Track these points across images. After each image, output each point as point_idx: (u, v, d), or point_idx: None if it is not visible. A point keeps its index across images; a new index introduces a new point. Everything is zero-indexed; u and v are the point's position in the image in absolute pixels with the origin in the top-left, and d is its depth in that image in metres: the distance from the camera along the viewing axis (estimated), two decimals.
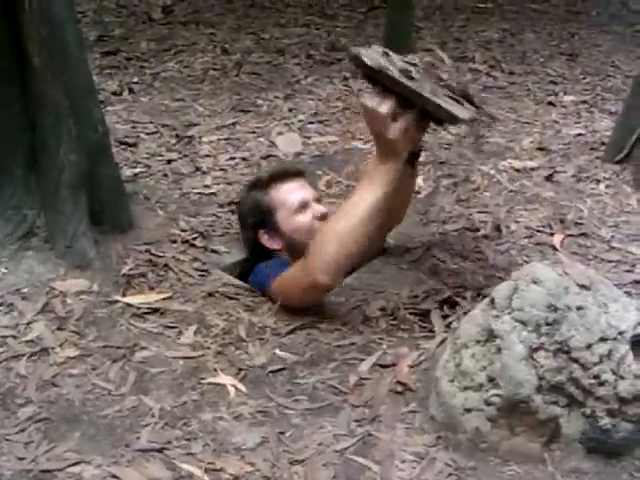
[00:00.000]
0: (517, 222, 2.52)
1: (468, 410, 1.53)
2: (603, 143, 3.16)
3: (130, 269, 2.16)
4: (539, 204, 2.66)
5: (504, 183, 2.83)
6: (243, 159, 3.05)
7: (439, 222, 2.54)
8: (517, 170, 2.94)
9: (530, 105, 3.79)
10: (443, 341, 1.80)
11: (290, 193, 2.27)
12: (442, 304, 2.03)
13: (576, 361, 1.47)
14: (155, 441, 1.57)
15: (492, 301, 1.58)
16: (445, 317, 1.98)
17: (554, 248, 2.36)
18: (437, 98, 1.76)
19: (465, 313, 1.82)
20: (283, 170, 2.38)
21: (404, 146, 1.85)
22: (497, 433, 1.51)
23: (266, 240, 2.29)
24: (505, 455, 1.52)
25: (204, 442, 1.57)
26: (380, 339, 1.91)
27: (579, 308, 1.51)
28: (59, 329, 1.92)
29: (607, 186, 2.80)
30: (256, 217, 2.29)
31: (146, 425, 1.61)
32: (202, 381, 1.76)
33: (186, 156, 3.06)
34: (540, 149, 3.17)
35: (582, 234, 2.44)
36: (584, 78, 4.27)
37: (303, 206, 2.25)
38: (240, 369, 1.80)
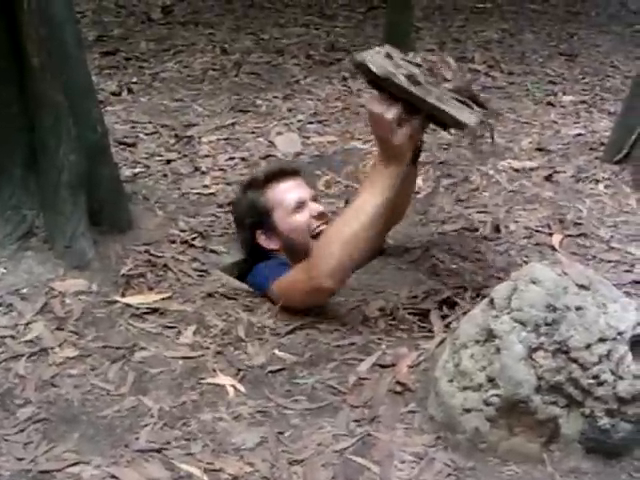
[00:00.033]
0: (516, 222, 2.52)
1: (467, 410, 1.53)
2: (602, 143, 3.16)
3: (129, 269, 2.16)
4: (538, 204, 2.66)
5: (503, 183, 2.83)
6: (242, 159, 3.05)
7: (438, 222, 2.54)
8: (516, 170, 2.94)
9: (529, 105, 3.79)
10: (442, 341, 1.79)
11: (287, 192, 2.27)
12: (441, 304, 2.03)
13: (575, 361, 1.47)
14: (154, 441, 1.57)
15: (491, 301, 1.58)
16: (444, 317, 1.98)
17: (553, 248, 2.36)
18: (443, 104, 1.76)
19: (464, 313, 1.82)
20: (279, 169, 2.37)
21: (408, 150, 1.85)
22: (496, 433, 1.51)
23: (263, 240, 2.29)
24: (504, 455, 1.52)
25: (203, 442, 1.57)
26: (379, 339, 1.91)
27: (578, 308, 1.51)
28: (58, 329, 1.92)
29: (606, 186, 2.80)
30: (253, 218, 2.28)
31: (145, 425, 1.61)
32: (201, 381, 1.76)
33: (185, 156, 3.06)
34: (539, 149, 3.17)
35: (581, 234, 2.45)
36: (583, 78, 4.27)
37: (300, 205, 2.25)
38: (239, 369, 1.80)
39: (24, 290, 2.04)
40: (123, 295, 2.06)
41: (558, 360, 1.48)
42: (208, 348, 1.87)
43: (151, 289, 2.10)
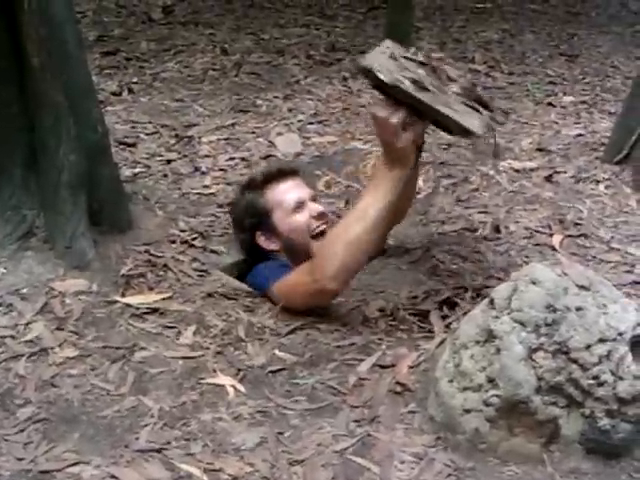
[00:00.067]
0: (516, 223, 2.52)
1: (467, 411, 1.53)
2: (602, 144, 3.16)
3: (129, 269, 2.15)
4: (538, 205, 2.66)
5: (503, 184, 2.83)
6: (242, 159, 3.05)
7: (438, 223, 2.54)
8: (516, 171, 2.94)
9: (529, 105, 3.79)
10: (442, 342, 1.79)
11: (286, 193, 2.27)
12: (441, 305, 2.03)
13: (575, 362, 1.47)
14: (154, 441, 1.56)
15: (491, 302, 1.58)
16: (444, 318, 1.98)
17: (553, 249, 2.36)
18: (450, 110, 1.76)
19: (464, 314, 1.82)
20: (277, 170, 2.36)
21: (411, 154, 1.86)
22: (496, 434, 1.51)
23: (263, 241, 2.28)
24: (504, 456, 1.52)
25: (203, 442, 1.57)
26: (379, 340, 1.91)
27: (578, 309, 1.51)
28: (58, 329, 1.92)
29: (606, 187, 2.80)
30: (252, 219, 2.28)
31: (145, 425, 1.61)
32: (201, 381, 1.76)
33: (185, 156, 3.06)
34: (539, 150, 3.17)
35: (581, 235, 2.45)
36: (583, 79, 4.27)
37: (299, 206, 2.25)
38: (239, 369, 1.80)
39: (24, 290, 2.03)
40: (123, 295, 2.06)
41: (558, 361, 1.48)
42: (208, 348, 1.87)
43: (151, 289, 2.10)
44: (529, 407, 1.47)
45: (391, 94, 1.80)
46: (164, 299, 2.06)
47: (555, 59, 4.69)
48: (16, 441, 1.57)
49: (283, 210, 2.25)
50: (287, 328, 1.96)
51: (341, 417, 1.64)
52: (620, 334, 1.49)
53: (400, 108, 1.79)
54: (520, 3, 6.19)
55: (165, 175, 2.86)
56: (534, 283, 1.53)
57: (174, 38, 4.97)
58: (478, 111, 1.79)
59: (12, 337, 1.88)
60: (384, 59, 1.81)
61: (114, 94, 3.85)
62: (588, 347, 1.47)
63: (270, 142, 3.23)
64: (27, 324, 1.92)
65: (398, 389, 1.71)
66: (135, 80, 4.10)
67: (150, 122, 3.42)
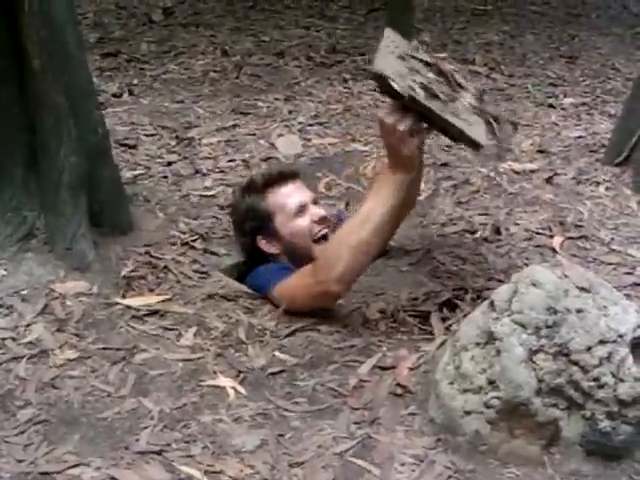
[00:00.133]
0: (517, 224, 2.52)
1: (468, 413, 1.53)
2: (603, 145, 3.16)
3: (130, 271, 2.15)
4: (539, 206, 2.66)
5: (504, 185, 2.83)
6: (243, 161, 3.05)
7: (439, 224, 2.54)
8: (517, 172, 2.93)
9: (530, 107, 3.79)
10: (443, 343, 1.79)
11: (288, 197, 2.26)
12: (442, 306, 2.03)
13: (576, 364, 1.47)
14: (154, 443, 1.56)
15: (492, 304, 1.58)
16: (445, 319, 1.98)
17: (554, 250, 2.36)
18: (458, 120, 1.76)
19: (465, 315, 1.82)
20: (278, 173, 2.34)
21: (417, 159, 1.87)
22: (496, 436, 1.51)
23: (264, 245, 2.28)
24: (504, 458, 1.51)
25: (203, 444, 1.57)
26: (380, 341, 1.91)
27: (579, 311, 1.51)
28: (58, 331, 1.92)
29: (607, 188, 2.80)
30: (253, 222, 2.27)
31: (145, 427, 1.61)
32: (201, 383, 1.76)
33: (186, 158, 3.06)
34: (540, 151, 3.17)
35: (582, 236, 2.44)
36: (584, 80, 4.27)
37: (301, 210, 2.24)
38: (240, 371, 1.80)
39: (24, 292, 2.04)
40: (123, 297, 2.06)
41: (559, 362, 1.48)
42: (208, 350, 1.87)
43: (151, 291, 2.10)
44: (529, 409, 1.47)
45: (399, 99, 1.79)
46: (164, 301, 2.06)
47: (555, 61, 4.69)
48: (16, 443, 1.57)
49: (285, 214, 2.25)
50: (287, 330, 1.96)
51: (341, 419, 1.64)
52: (620, 336, 1.49)
53: (407, 115, 1.78)
54: (520, 5, 6.19)
55: (165, 177, 2.86)
56: (534, 285, 1.53)
57: (174, 40, 4.97)
58: (489, 122, 1.79)
59: (12, 339, 1.88)
60: (393, 60, 1.80)
61: (115, 95, 3.85)
62: (589, 349, 1.47)
63: (271, 144, 3.23)
64: (27, 326, 1.92)
65: (398, 391, 1.71)
66: (135, 82, 4.10)
67: (150, 124, 3.42)
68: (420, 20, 5.42)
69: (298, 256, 2.19)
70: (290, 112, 3.63)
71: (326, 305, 2.01)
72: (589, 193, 2.77)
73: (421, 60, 1.82)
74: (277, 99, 3.82)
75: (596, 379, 1.46)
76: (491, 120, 1.80)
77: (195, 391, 1.73)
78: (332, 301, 1.99)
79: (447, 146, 3.12)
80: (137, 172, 2.88)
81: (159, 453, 1.54)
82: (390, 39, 1.85)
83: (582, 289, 1.55)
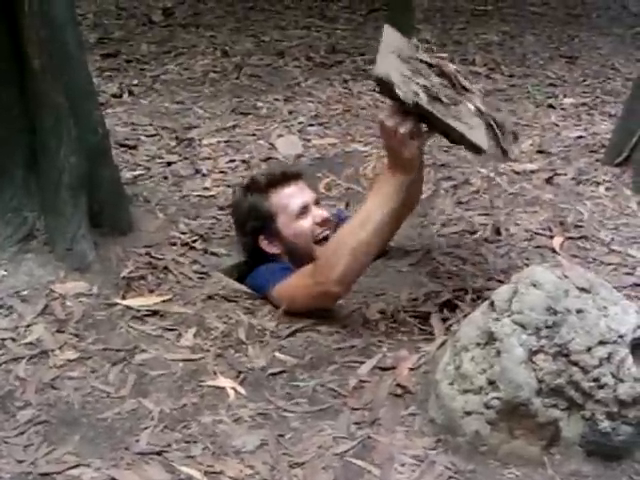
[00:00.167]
0: (517, 225, 2.52)
1: (468, 413, 1.53)
2: (603, 146, 3.16)
3: (130, 272, 2.16)
4: (539, 207, 2.66)
5: (504, 186, 2.83)
6: (243, 162, 3.05)
7: (439, 225, 2.54)
8: (517, 173, 2.93)
9: (530, 107, 3.78)
10: (443, 344, 1.79)
11: (290, 198, 2.26)
12: (442, 307, 2.03)
13: (576, 364, 1.47)
14: (154, 444, 1.56)
15: (492, 304, 1.58)
16: (445, 320, 1.98)
17: (554, 251, 2.36)
18: (460, 124, 1.75)
19: (465, 316, 1.82)
20: (281, 173, 2.34)
21: (417, 161, 1.87)
22: (497, 436, 1.51)
23: (266, 245, 2.28)
24: (505, 458, 1.51)
25: (203, 445, 1.57)
26: (380, 342, 1.91)
27: (579, 311, 1.51)
28: (59, 332, 1.92)
29: (607, 189, 2.80)
30: (255, 222, 2.27)
31: (145, 428, 1.61)
32: (202, 384, 1.76)
33: (186, 158, 3.06)
34: (540, 152, 3.16)
35: (582, 237, 2.44)
36: (584, 81, 4.26)
37: (304, 211, 2.24)
38: (240, 372, 1.80)
39: (25, 292, 2.04)
40: (124, 297, 2.06)
41: (559, 363, 1.48)
42: (208, 350, 1.87)
43: (152, 291, 2.10)
44: (529, 409, 1.47)
45: (402, 105, 1.77)
46: (164, 301, 2.06)
47: (555, 61, 4.69)
48: (16, 443, 1.57)
49: (287, 215, 2.24)
50: (287, 330, 1.96)
51: (341, 419, 1.64)
52: (621, 336, 1.49)
53: (408, 117, 1.78)
54: (520, 5, 6.19)
55: (165, 177, 2.86)
56: (534, 285, 1.53)
57: (174, 40, 4.97)
58: (490, 125, 1.78)
59: (12, 339, 1.88)
60: (395, 61, 1.79)
61: (114, 96, 3.85)
62: (589, 349, 1.47)
63: (271, 144, 3.23)
64: (27, 326, 1.93)
65: (398, 391, 1.71)
66: (135, 82, 4.10)
67: (150, 124, 3.42)
68: (420, 20, 5.42)
69: (299, 257, 2.19)
70: (290, 112, 3.63)
71: (326, 306, 2.01)
72: (589, 193, 2.77)
73: (423, 61, 1.81)
74: (277, 99, 3.82)
75: (596, 379, 1.46)
76: (494, 125, 1.80)
77: (195, 391, 1.73)
78: (332, 302, 2.00)
79: (447, 147, 3.12)
80: (137, 172, 2.88)
81: (159, 454, 1.54)
82: (390, 37, 1.84)
83: (582, 289, 1.55)
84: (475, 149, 1.79)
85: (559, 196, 2.74)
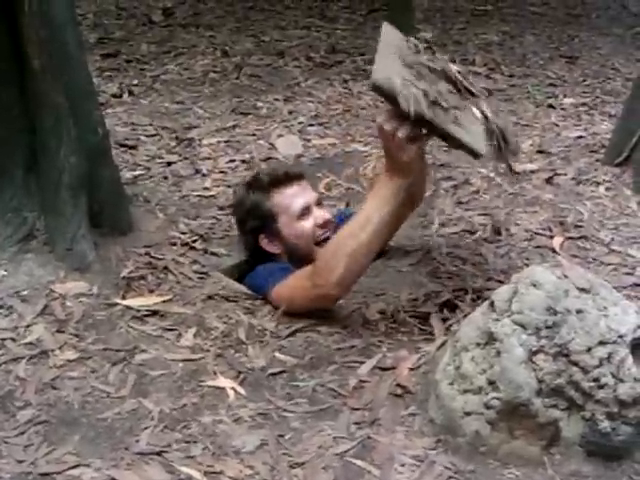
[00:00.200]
0: (517, 225, 2.52)
1: (468, 413, 1.53)
2: (603, 146, 3.16)
3: (130, 272, 2.16)
4: (539, 207, 2.66)
5: (504, 186, 2.83)
6: (243, 162, 3.05)
7: (439, 225, 2.54)
8: (517, 173, 2.93)
9: (530, 108, 3.78)
10: (443, 344, 1.79)
11: (293, 198, 2.26)
12: (442, 307, 2.03)
13: (576, 364, 1.47)
14: (154, 444, 1.56)
15: (492, 304, 1.58)
16: (445, 320, 1.98)
17: (554, 251, 2.36)
18: (460, 129, 1.74)
19: (465, 316, 1.82)
20: (284, 173, 2.33)
21: (415, 164, 1.86)
22: (497, 436, 1.51)
23: (266, 244, 2.28)
24: (505, 458, 1.51)
25: (203, 445, 1.57)
26: (380, 342, 1.91)
27: (579, 311, 1.51)
28: (59, 332, 1.92)
29: (607, 189, 2.80)
30: (257, 221, 2.27)
31: (145, 428, 1.61)
32: (201, 384, 1.76)
33: (186, 159, 3.06)
34: (540, 152, 3.17)
35: (582, 237, 2.44)
36: (584, 81, 4.27)
37: (305, 212, 2.24)
38: (240, 372, 1.80)
39: (24, 292, 2.04)
40: (123, 297, 2.06)
41: (559, 363, 1.48)
42: (208, 351, 1.87)
43: (151, 291, 2.10)
44: (530, 410, 1.47)
45: (403, 112, 1.75)
46: (164, 301, 2.06)
47: (555, 61, 4.69)
48: (16, 443, 1.57)
49: (289, 215, 2.24)
50: (287, 330, 1.96)
51: (341, 420, 1.64)
52: (620, 336, 1.49)
53: (406, 121, 1.76)
54: (520, 5, 6.19)
55: (165, 177, 2.86)
56: (534, 285, 1.53)
57: (174, 40, 4.97)
58: (491, 130, 1.78)
59: (12, 339, 1.88)
60: (396, 65, 1.78)
61: (114, 96, 3.85)
62: (589, 350, 1.47)
63: (271, 144, 3.23)
64: (27, 326, 1.93)
65: (398, 391, 1.71)
66: (135, 82, 4.10)
67: (150, 124, 3.43)
68: (420, 20, 5.42)
69: (299, 257, 2.19)
70: (290, 112, 3.63)
71: (325, 307, 2.01)
72: (589, 193, 2.77)
73: (427, 67, 1.80)
74: (277, 99, 3.82)
75: (596, 380, 1.46)
76: (496, 130, 1.79)
77: (195, 392, 1.73)
78: (331, 304, 2.00)
79: (447, 146, 3.11)
80: (137, 172, 2.89)
81: (159, 454, 1.54)
82: (389, 36, 1.83)
83: (582, 290, 1.55)
84: (473, 154, 1.79)
85: (559, 196, 2.74)
